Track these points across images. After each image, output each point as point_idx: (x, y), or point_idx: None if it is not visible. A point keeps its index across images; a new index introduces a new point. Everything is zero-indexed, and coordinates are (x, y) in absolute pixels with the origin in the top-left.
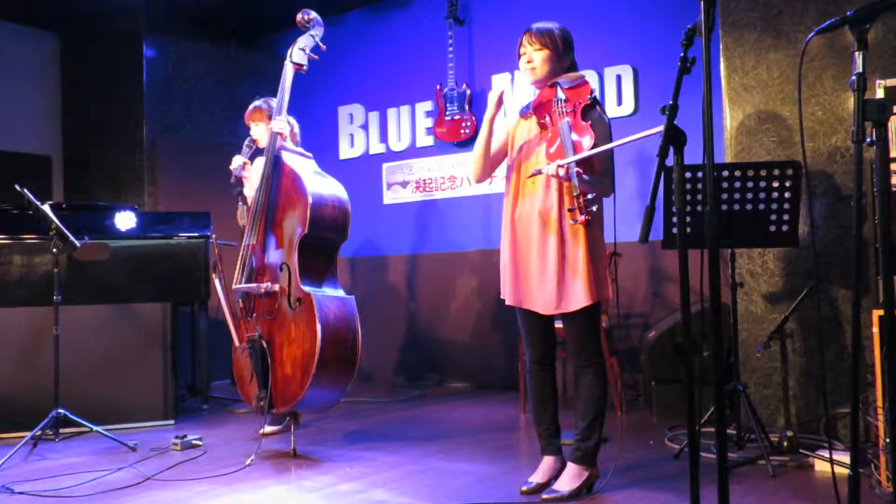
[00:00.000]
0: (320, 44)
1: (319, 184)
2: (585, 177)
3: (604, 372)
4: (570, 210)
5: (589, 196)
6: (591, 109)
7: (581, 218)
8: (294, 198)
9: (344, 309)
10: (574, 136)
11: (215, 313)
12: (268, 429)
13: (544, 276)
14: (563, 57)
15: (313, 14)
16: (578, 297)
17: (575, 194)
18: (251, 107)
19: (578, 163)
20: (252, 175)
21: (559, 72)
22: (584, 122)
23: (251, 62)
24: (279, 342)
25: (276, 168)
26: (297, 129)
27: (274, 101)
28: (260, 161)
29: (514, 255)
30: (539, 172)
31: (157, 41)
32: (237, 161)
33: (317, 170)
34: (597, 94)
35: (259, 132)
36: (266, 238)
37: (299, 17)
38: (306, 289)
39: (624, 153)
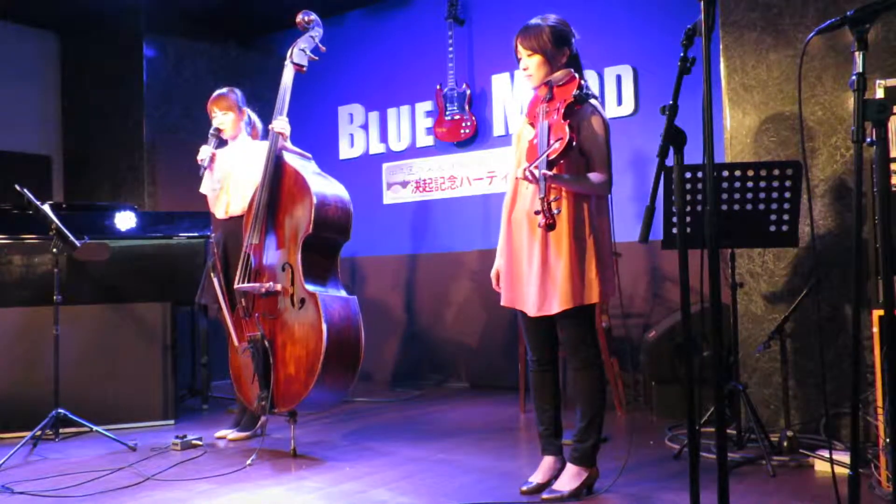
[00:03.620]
0: (320, 45)
1: (323, 184)
2: (566, 175)
3: (601, 372)
4: (535, 213)
5: (553, 199)
6: (580, 106)
7: (542, 222)
8: (298, 198)
9: (348, 309)
10: (550, 138)
11: (214, 313)
12: (235, 434)
13: (530, 277)
14: (555, 56)
15: (313, 15)
16: (559, 300)
17: (540, 196)
18: (216, 94)
19: (559, 160)
20: (215, 168)
21: (556, 70)
22: (563, 122)
23: (251, 62)
24: (281, 342)
25: (277, 168)
26: (259, 125)
27: (239, 91)
28: (221, 153)
29: (509, 256)
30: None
31: (157, 41)
32: (205, 152)
33: (317, 170)
34: (592, 90)
35: (227, 121)
36: (267, 238)
37: (300, 18)
38: (311, 288)
39: (622, 153)
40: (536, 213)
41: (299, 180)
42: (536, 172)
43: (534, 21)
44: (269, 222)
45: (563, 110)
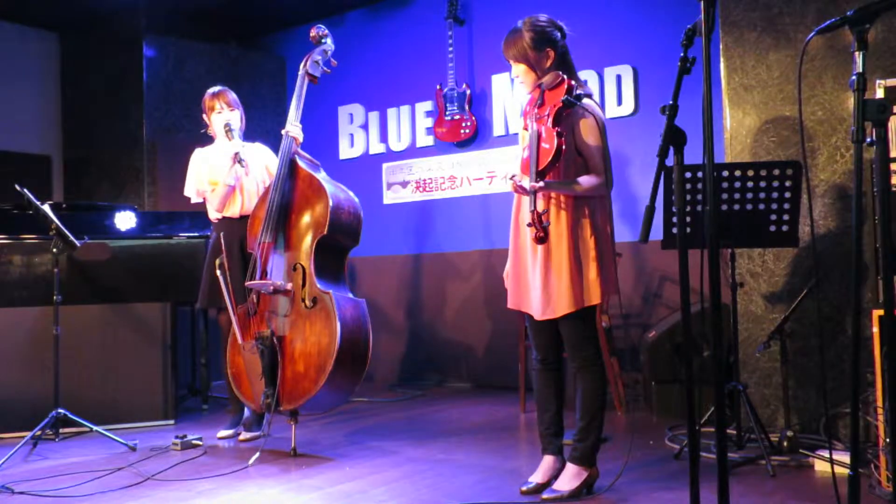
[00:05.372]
0: (332, 59)
1: (337, 189)
2: (556, 183)
3: (601, 373)
4: (528, 225)
5: (542, 211)
6: (572, 108)
7: (532, 234)
8: (313, 200)
9: (358, 310)
10: (544, 145)
11: (216, 313)
12: (246, 435)
13: (534, 280)
14: (539, 60)
15: (326, 30)
16: (561, 304)
17: (531, 209)
18: (220, 89)
19: (549, 169)
20: (222, 163)
21: (545, 70)
22: (552, 129)
23: (251, 62)
24: (290, 339)
25: (291, 171)
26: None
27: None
28: (215, 150)
29: (515, 258)
30: None
31: (157, 41)
32: (238, 145)
33: (328, 178)
34: (590, 88)
35: (235, 118)
36: (278, 238)
37: (313, 32)
38: (324, 288)
39: (623, 153)
40: (529, 225)
41: (314, 183)
42: (527, 184)
43: (516, 26)
44: (282, 223)
45: (552, 116)
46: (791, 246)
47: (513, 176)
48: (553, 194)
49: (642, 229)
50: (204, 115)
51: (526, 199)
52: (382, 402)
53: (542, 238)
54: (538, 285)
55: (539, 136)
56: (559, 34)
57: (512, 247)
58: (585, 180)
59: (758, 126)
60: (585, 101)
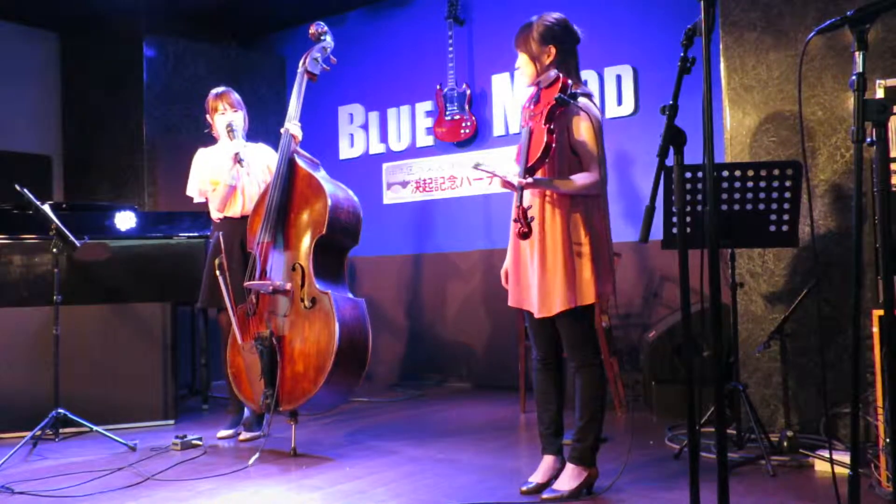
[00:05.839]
0: (331, 56)
1: (336, 188)
2: (545, 179)
3: (600, 373)
4: (514, 221)
5: (527, 207)
6: (566, 106)
7: (517, 230)
8: (311, 199)
9: (357, 310)
10: (531, 144)
11: (216, 313)
12: (246, 435)
13: (532, 279)
14: (539, 55)
15: (326, 28)
16: (555, 302)
17: (517, 205)
18: (223, 90)
19: (539, 166)
20: (224, 164)
21: (545, 68)
22: (543, 127)
23: (251, 62)
24: (289, 339)
25: (290, 170)
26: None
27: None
28: (217, 151)
29: (515, 257)
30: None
31: (157, 41)
32: (239, 146)
33: (327, 177)
34: (589, 87)
35: (239, 118)
36: (277, 237)
37: (313, 29)
38: (323, 288)
39: (622, 153)
40: (514, 220)
41: (313, 182)
42: (514, 181)
43: (531, 18)
44: (281, 223)
45: (545, 114)
46: (791, 246)
47: (477, 164)
48: (548, 193)
49: (642, 229)
50: (207, 116)
51: (525, 198)
52: (382, 402)
53: (525, 234)
54: (534, 283)
55: (531, 133)
56: (567, 36)
57: (512, 245)
58: (576, 177)
59: (757, 126)
60: (581, 100)
